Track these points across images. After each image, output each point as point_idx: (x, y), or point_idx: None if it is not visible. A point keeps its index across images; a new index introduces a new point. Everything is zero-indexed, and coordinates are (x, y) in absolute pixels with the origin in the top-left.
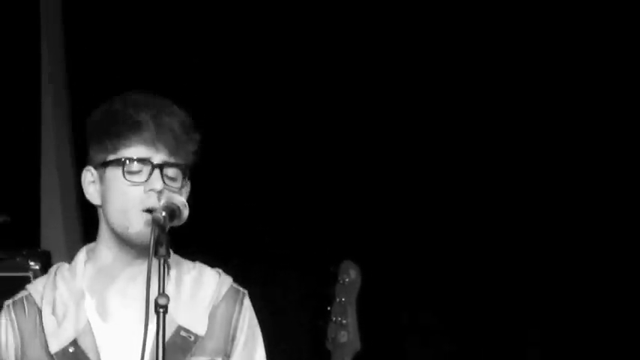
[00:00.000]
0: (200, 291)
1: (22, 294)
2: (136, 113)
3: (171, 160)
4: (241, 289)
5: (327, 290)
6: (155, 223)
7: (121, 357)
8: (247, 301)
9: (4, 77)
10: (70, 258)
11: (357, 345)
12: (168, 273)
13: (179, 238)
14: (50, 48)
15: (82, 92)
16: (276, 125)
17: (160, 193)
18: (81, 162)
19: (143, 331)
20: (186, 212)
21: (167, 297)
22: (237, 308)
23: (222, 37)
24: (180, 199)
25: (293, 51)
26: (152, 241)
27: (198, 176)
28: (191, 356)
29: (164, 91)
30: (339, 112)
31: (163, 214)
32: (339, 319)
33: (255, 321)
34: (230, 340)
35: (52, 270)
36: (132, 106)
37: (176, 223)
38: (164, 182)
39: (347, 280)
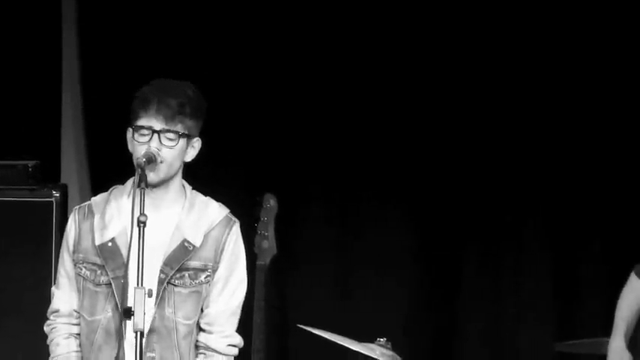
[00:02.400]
0: (203, 216)
1: (86, 203)
2: (150, 94)
3: (167, 127)
4: (234, 218)
5: (255, 212)
6: (137, 165)
7: (139, 253)
8: (235, 228)
9: (26, 45)
10: (80, 189)
11: (274, 250)
12: (144, 199)
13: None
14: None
15: (92, 63)
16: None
17: (157, 149)
18: (89, 121)
19: (129, 238)
20: (159, 159)
21: (146, 216)
22: (226, 231)
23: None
24: (156, 151)
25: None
26: (136, 177)
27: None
28: (189, 260)
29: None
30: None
31: (144, 159)
32: (263, 232)
33: (240, 242)
34: (219, 252)
35: (110, 189)
36: (149, 89)
37: (153, 166)
38: (160, 142)
39: (268, 205)
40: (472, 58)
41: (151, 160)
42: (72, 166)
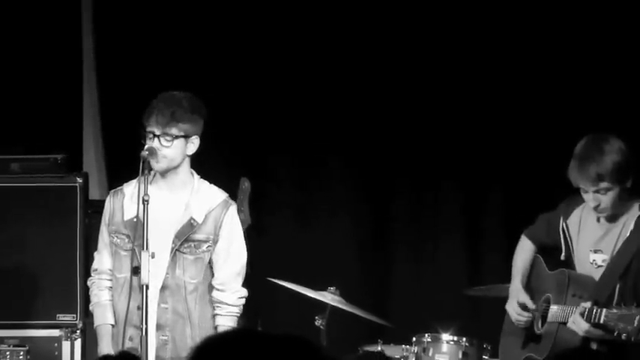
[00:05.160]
0: (206, 199)
1: (119, 187)
2: (153, 107)
3: (164, 131)
4: (230, 201)
5: (234, 192)
6: (142, 157)
7: (157, 227)
8: (232, 208)
9: (48, 53)
10: (98, 178)
11: (249, 221)
12: (150, 182)
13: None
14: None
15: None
16: None
17: (158, 149)
18: (105, 122)
19: (139, 214)
20: (159, 153)
21: (149, 195)
22: (224, 211)
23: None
24: (158, 146)
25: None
26: (141, 166)
27: None
28: (193, 234)
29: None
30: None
31: (146, 152)
32: (240, 207)
33: (236, 219)
34: (218, 228)
35: (138, 177)
36: (154, 102)
37: (154, 156)
38: (160, 143)
39: (244, 187)
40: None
41: (152, 152)
42: (92, 159)
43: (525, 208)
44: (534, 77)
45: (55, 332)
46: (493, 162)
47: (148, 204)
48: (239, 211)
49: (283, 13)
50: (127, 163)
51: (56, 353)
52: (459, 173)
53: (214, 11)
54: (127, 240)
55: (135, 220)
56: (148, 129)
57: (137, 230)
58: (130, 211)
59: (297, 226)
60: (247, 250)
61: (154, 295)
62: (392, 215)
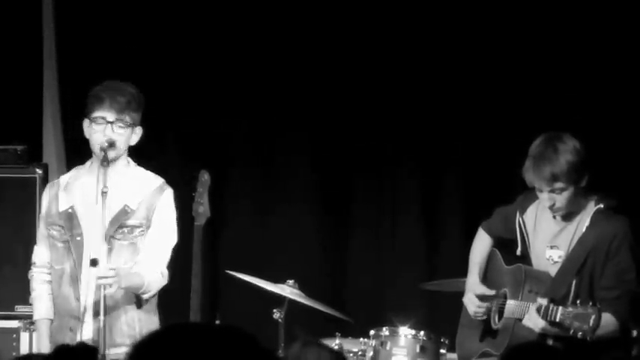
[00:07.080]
0: (141, 186)
1: (56, 180)
2: (103, 93)
3: (118, 118)
4: (166, 186)
5: (193, 185)
6: (102, 149)
7: (93, 215)
8: (166, 193)
9: (8, 42)
10: (58, 169)
11: (208, 214)
12: (106, 173)
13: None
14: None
15: (68, 63)
16: None
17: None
18: (65, 114)
19: (101, 205)
20: (118, 144)
21: (107, 187)
22: (157, 196)
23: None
24: (117, 138)
25: None
26: (101, 157)
27: None
28: (127, 220)
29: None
30: None
31: (106, 144)
32: (199, 200)
33: (169, 204)
34: (152, 211)
35: (73, 169)
36: (101, 89)
37: (114, 148)
38: (112, 130)
39: (203, 179)
40: None
41: (112, 144)
42: (51, 150)
43: (486, 197)
44: (500, 65)
45: (14, 324)
46: (451, 156)
47: (106, 196)
48: (198, 204)
49: (250, 6)
50: (87, 154)
51: (14, 344)
52: (420, 167)
53: (178, 2)
54: (62, 231)
55: (70, 211)
56: (99, 114)
57: (73, 221)
58: (64, 202)
59: (256, 219)
60: (206, 244)
61: (89, 282)
62: (351, 210)
